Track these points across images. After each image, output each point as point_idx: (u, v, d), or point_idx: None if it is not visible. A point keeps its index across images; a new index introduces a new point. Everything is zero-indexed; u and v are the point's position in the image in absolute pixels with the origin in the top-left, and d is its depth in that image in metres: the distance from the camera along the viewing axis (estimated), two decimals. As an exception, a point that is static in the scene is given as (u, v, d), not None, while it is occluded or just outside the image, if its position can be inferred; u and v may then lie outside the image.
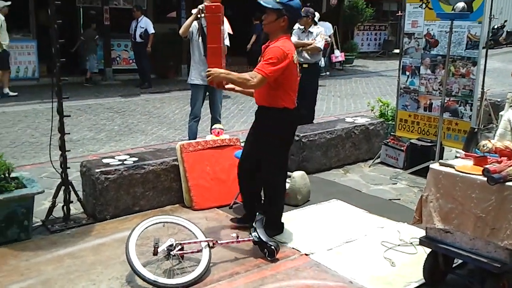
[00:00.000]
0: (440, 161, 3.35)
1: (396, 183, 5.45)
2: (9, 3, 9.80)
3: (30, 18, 11.63)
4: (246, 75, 3.60)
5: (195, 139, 6.04)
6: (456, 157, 5.18)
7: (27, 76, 11.42)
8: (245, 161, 4.01)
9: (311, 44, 6.96)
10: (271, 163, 3.91)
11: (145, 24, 11.26)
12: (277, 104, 3.76)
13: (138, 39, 11.25)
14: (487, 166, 3.04)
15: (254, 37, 13.49)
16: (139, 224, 3.51)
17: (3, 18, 9.52)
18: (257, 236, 3.62)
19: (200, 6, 5.64)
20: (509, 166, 2.99)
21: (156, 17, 13.10)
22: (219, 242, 3.59)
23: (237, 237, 3.65)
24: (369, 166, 6.00)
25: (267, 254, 3.59)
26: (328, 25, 13.92)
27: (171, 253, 3.38)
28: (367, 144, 6.19)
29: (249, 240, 3.67)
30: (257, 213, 3.77)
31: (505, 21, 22.87)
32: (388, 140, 6.12)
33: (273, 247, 3.57)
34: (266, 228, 3.72)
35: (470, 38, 5.30)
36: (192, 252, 3.49)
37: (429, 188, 3.25)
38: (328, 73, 14.76)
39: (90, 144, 7.01)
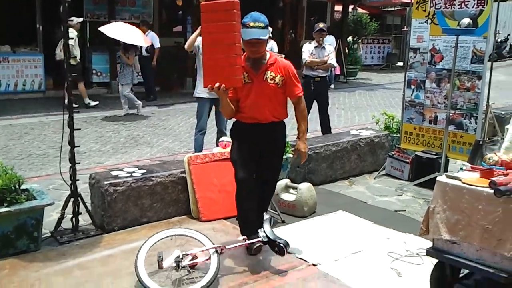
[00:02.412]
0: (447, 173, 3.39)
1: (401, 195, 5.48)
2: (81, 19, 10.43)
3: (37, 32, 11.76)
4: (303, 110, 3.94)
5: (201, 151, 6.10)
6: (461, 169, 5.23)
7: (34, 89, 11.53)
8: (249, 178, 3.88)
9: (326, 61, 7.10)
10: (278, 171, 4.13)
11: (152, 38, 11.36)
12: (283, 116, 3.95)
13: (144, 53, 11.36)
14: (493, 178, 3.07)
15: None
16: (147, 241, 3.57)
17: (76, 33, 10.05)
18: (266, 236, 3.65)
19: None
20: (516, 178, 3.03)
21: (162, 31, 13.24)
22: (227, 247, 3.61)
23: (245, 240, 3.68)
24: (374, 178, 6.04)
25: (278, 252, 3.63)
26: (332, 38, 14.10)
27: (180, 264, 3.40)
28: (372, 156, 6.23)
29: (258, 241, 3.68)
30: (264, 214, 3.83)
31: (509, 34, 23.00)
32: (393, 153, 6.16)
33: (282, 244, 3.60)
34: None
35: (475, 53, 5.36)
36: (201, 262, 3.51)
37: (436, 200, 3.28)
38: (332, 86, 14.85)
39: (96, 156, 7.07)
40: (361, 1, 18.04)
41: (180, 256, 3.42)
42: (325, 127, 7.59)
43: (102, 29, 9.35)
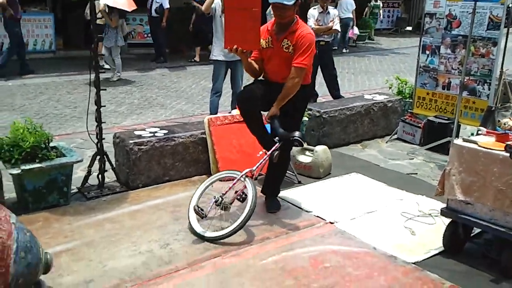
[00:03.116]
0: (464, 137, 3.51)
1: (413, 159, 5.63)
2: None
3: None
4: (289, 81, 3.76)
5: (216, 113, 6.22)
6: (472, 134, 5.36)
7: (44, 49, 11.58)
8: (251, 98, 3.89)
9: (331, 27, 7.23)
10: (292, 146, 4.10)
11: (161, -2, 11.33)
12: (303, 81, 3.92)
13: (153, 13, 11.33)
14: (509, 142, 3.21)
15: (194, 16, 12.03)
16: (194, 196, 3.83)
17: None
18: (280, 135, 3.80)
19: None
20: (531, 143, 3.16)
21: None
22: (253, 168, 3.78)
23: (265, 153, 3.85)
24: (386, 142, 6.18)
25: (297, 145, 3.82)
26: (351, 1, 14.14)
27: (222, 204, 3.65)
28: (385, 121, 6.35)
29: (275, 147, 3.81)
30: (270, 120, 3.86)
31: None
32: (405, 117, 6.27)
33: (299, 137, 3.75)
34: (273, 200, 4.12)
35: (492, 19, 5.39)
36: (239, 192, 3.70)
37: (452, 162, 3.43)
38: (347, 50, 14.88)
39: (113, 117, 7.20)
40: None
41: (217, 197, 3.66)
42: (334, 94, 7.73)
43: None
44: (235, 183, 3.74)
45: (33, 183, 3.91)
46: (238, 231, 3.57)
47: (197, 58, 11.91)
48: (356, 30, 14.88)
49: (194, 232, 3.64)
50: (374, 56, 14.45)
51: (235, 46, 3.73)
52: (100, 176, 4.44)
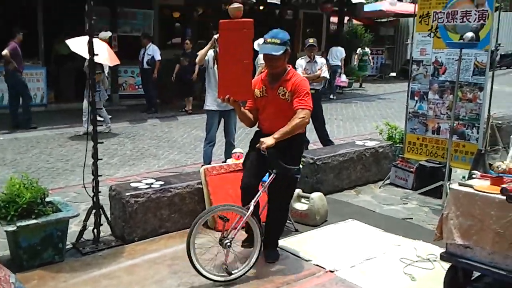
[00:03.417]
0: (460, 181, 3.57)
1: (407, 203, 5.66)
2: (110, 33, 10.35)
3: (39, 46, 11.90)
4: (296, 120, 3.76)
5: (210, 163, 6.25)
6: (463, 177, 5.43)
7: (36, 102, 11.60)
8: (251, 187, 3.98)
9: (319, 75, 7.41)
10: (291, 187, 4.13)
11: (152, 51, 11.57)
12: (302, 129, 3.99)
13: (145, 65, 11.54)
14: (504, 185, 3.27)
15: (178, 67, 12.03)
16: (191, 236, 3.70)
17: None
18: (278, 165, 3.80)
19: (215, 36, 5.90)
20: (525, 185, 3.22)
21: (162, 43, 13.42)
22: (250, 205, 3.74)
23: (261, 186, 3.89)
24: (380, 187, 6.22)
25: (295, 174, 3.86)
26: (341, 49, 14.93)
27: (224, 243, 3.66)
28: (377, 166, 6.42)
29: (271, 179, 3.84)
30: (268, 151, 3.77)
31: (499, 44, 23.41)
32: (397, 162, 6.35)
33: (295, 172, 3.83)
34: (272, 249, 4.07)
35: (477, 65, 5.58)
36: (240, 227, 3.73)
37: (449, 207, 3.46)
38: (334, 97, 15.23)
39: (105, 169, 7.16)
40: (355, 13, 18.34)
41: (220, 238, 3.68)
42: (324, 139, 7.82)
43: (69, 42, 8.63)
44: (239, 222, 3.74)
45: (28, 240, 3.86)
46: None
47: (189, 108, 12.02)
48: (343, 78, 15.29)
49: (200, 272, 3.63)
50: (361, 102, 14.72)
51: (227, 96, 3.85)
52: (95, 230, 4.39)
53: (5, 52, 9.29)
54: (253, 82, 4.02)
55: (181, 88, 12.12)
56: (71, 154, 7.94)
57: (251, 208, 3.73)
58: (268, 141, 3.70)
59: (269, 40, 3.85)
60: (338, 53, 14.97)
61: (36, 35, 11.80)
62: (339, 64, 15.01)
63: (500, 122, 7.87)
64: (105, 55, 8.49)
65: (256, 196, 3.81)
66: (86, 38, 9.06)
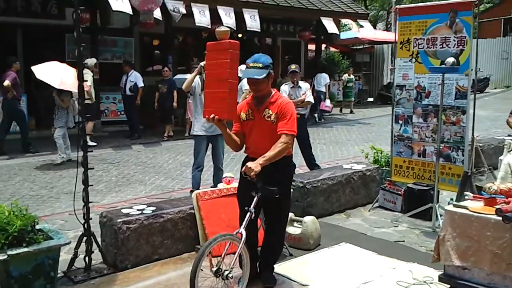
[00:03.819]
0: (454, 203, 3.63)
1: (397, 226, 5.70)
2: (95, 60, 10.75)
3: (20, 73, 11.75)
4: (280, 145, 3.76)
5: (198, 188, 6.22)
6: (451, 199, 5.51)
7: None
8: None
9: (303, 100, 7.47)
10: (285, 211, 4.15)
11: (135, 78, 11.58)
12: (288, 153, 3.99)
13: (128, 92, 11.52)
14: (497, 206, 3.34)
15: (158, 94, 11.90)
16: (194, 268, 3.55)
17: (91, 74, 10.30)
18: (261, 190, 3.80)
19: (201, 63, 5.94)
20: (519, 205, 3.29)
21: (143, 70, 13.44)
22: (240, 230, 3.70)
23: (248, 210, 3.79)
24: (369, 210, 6.26)
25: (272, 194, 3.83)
26: (326, 75, 15.46)
27: (221, 273, 3.57)
28: (365, 189, 6.47)
29: (255, 201, 3.79)
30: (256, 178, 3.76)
31: (478, 68, 24.15)
32: (385, 185, 6.41)
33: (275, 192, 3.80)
34: (269, 273, 4.05)
35: (459, 89, 5.74)
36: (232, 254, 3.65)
37: (445, 228, 3.51)
38: (322, 120, 15.75)
39: (91, 196, 6.88)
40: (332, 41, 18.74)
41: (215, 267, 3.56)
42: (310, 163, 7.90)
43: (34, 68, 8.65)
44: (228, 249, 3.67)
45: (19, 269, 3.73)
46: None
47: (169, 134, 11.99)
48: (328, 103, 15.64)
49: None
50: (342, 127, 14.91)
51: (212, 115, 3.86)
52: (87, 258, 4.30)
53: (6, 83, 9.41)
54: (239, 106, 4.07)
55: (161, 114, 12.14)
56: (55, 181, 7.80)
57: (244, 234, 3.69)
58: (255, 168, 3.68)
59: (251, 64, 3.90)
60: (322, 79, 15.42)
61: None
62: (323, 90, 15.47)
63: (481, 145, 8.05)
64: (72, 81, 8.23)
65: (245, 221, 3.77)
66: (52, 64, 8.97)
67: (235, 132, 4.07)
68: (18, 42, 11.70)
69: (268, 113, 3.92)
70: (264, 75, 3.85)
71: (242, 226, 3.73)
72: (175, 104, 11.71)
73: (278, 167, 3.90)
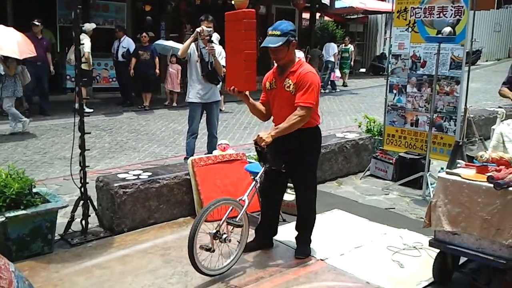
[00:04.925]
0: (447, 170, 3.70)
1: (388, 194, 5.80)
2: (94, 25, 10.60)
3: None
4: (294, 118, 3.68)
5: (193, 155, 6.24)
6: (442, 168, 5.60)
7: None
8: (269, 188, 4.07)
9: None
10: (311, 180, 4.08)
11: (127, 44, 11.43)
12: (311, 124, 3.90)
13: (120, 58, 11.38)
14: (489, 174, 3.41)
15: (134, 60, 11.25)
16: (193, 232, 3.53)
17: (89, 39, 10.17)
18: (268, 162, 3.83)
19: (198, 29, 5.88)
20: (510, 173, 3.37)
21: (135, 36, 13.22)
22: (243, 197, 3.72)
23: (253, 179, 3.84)
24: (360, 179, 6.35)
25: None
26: (334, 45, 15.71)
27: (221, 236, 3.58)
28: (357, 158, 6.55)
29: (261, 172, 3.84)
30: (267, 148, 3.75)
31: (474, 39, 24.13)
32: (377, 154, 6.49)
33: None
34: (301, 245, 4.05)
35: (454, 59, 5.76)
36: (234, 221, 3.64)
37: (437, 195, 3.58)
38: (335, 90, 16.12)
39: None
40: (327, 9, 18.55)
41: (214, 231, 3.55)
42: None
43: None
44: (228, 213, 3.68)
45: (17, 231, 3.79)
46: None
47: (147, 104, 11.55)
48: (337, 73, 15.75)
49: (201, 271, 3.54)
50: (334, 97, 14.93)
51: (232, 87, 3.87)
52: (83, 221, 4.34)
53: None
54: (266, 75, 4.02)
55: (142, 82, 11.43)
56: (48, 146, 7.79)
57: (247, 202, 3.72)
58: (267, 139, 3.66)
59: (270, 32, 3.80)
60: (330, 49, 15.53)
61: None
62: (332, 60, 15.59)
63: (472, 115, 8.13)
64: (13, 47, 7.76)
65: (249, 189, 3.80)
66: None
67: (261, 102, 4.06)
68: (8, 6, 11.43)
69: (288, 82, 3.83)
70: (281, 43, 3.70)
71: (246, 194, 3.75)
72: (157, 71, 11.40)
73: (304, 138, 3.84)
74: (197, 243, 3.44)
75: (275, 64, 3.98)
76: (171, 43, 11.49)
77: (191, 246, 3.41)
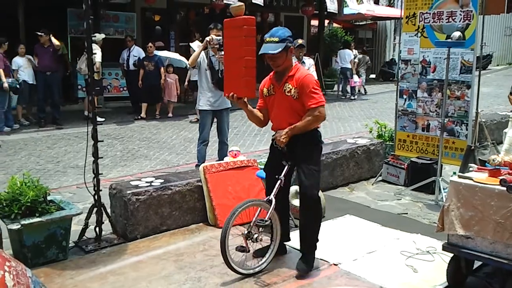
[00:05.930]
0: (459, 173, 3.69)
1: (400, 199, 5.79)
2: (103, 36, 10.65)
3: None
4: (309, 118, 3.76)
5: (204, 162, 6.27)
6: (454, 173, 5.58)
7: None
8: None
9: None
10: (316, 181, 3.98)
11: (138, 53, 11.54)
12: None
13: (131, 67, 11.48)
14: (502, 177, 3.39)
15: (142, 72, 11.31)
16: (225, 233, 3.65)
17: (100, 49, 10.13)
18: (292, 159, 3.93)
19: (207, 38, 5.94)
20: (523, 176, 3.36)
21: (144, 46, 13.34)
22: (270, 197, 3.81)
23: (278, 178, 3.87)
24: (372, 184, 6.34)
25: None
26: (349, 52, 15.60)
27: (252, 236, 3.74)
28: (369, 163, 6.54)
29: (286, 170, 3.90)
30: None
31: (484, 43, 24.02)
32: (388, 159, 6.48)
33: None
34: (311, 246, 3.99)
35: (464, 64, 5.75)
36: (262, 219, 3.76)
37: (450, 199, 3.58)
38: (355, 97, 15.91)
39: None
40: (335, 16, 18.58)
41: (246, 232, 3.73)
42: None
43: None
44: (259, 214, 3.81)
45: (32, 238, 3.84)
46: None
47: (143, 115, 11.45)
48: (356, 78, 15.76)
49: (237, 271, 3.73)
50: (344, 103, 14.92)
51: (231, 93, 3.90)
52: (97, 228, 4.38)
53: None
54: (263, 81, 4.06)
55: (149, 93, 11.37)
56: (61, 155, 7.88)
57: (273, 201, 3.80)
58: (282, 138, 3.78)
59: (267, 39, 3.82)
60: (346, 56, 15.54)
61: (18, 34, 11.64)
62: (349, 66, 15.61)
63: (483, 120, 8.08)
64: None
65: (275, 188, 3.84)
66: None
67: (259, 108, 4.09)
68: (19, 17, 11.60)
69: (288, 87, 3.85)
70: (280, 49, 3.73)
71: (273, 193, 3.83)
72: (162, 81, 11.47)
73: (303, 141, 3.86)
74: (228, 245, 3.61)
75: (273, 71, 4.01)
76: (166, 53, 11.53)
77: (224, 248, 3.59)
